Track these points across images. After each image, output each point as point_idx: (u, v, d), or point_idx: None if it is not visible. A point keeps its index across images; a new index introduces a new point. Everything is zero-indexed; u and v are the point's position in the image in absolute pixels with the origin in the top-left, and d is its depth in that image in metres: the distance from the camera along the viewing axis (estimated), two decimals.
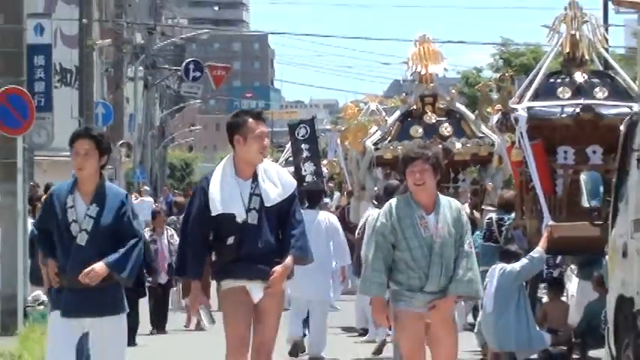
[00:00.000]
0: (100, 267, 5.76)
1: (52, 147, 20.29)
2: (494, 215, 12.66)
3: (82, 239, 5.88)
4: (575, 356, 11.31)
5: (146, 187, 39.89)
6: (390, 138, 15.23)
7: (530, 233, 10.97)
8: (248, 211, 6.39)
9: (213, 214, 6.32)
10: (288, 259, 6.40)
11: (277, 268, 6.35)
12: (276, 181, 6.56)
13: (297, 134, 14.94)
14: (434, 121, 15.15)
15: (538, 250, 10.39)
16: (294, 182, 6.94)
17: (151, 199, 32.10)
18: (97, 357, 6.12)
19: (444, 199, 6.47)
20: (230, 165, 6.48)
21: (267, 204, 6.42)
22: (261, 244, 6.38)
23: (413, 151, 6.62)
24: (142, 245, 6.37)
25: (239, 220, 6.34)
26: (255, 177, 6.49)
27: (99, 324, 6.01)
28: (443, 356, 6.33)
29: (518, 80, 12.23)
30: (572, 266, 12.41)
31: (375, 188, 14.04)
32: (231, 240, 6.39)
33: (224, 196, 6.38)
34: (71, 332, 6.09)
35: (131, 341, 10.38)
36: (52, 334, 6.35)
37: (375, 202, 11.69)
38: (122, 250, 5.90)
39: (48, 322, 6.86)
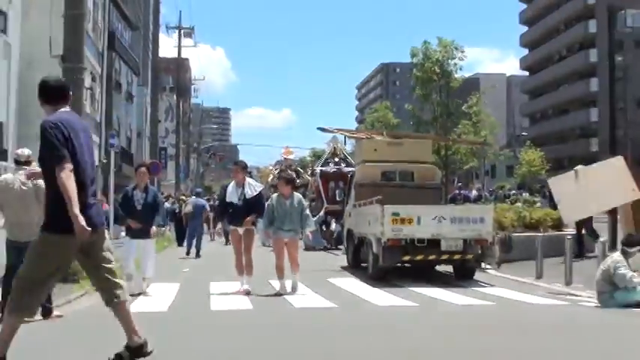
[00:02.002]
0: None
1: None
2: None
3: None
4: None
5: None
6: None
7: None
8: (239, 199, 14.87)
9: (227, 200, 15.09)
10: (252, 216, 14.79)
11: (247, 219, 14.74)
12: (252, 187, 15.02)
13: None
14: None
15: None
16: (261, 187, 15.70)
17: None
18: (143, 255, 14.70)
19: (295, 194, 15.39)
20: (233, 182, 15.22)
21: (247, 197, 14.88)
22: (243, 212, 14.79)
23: (282, 177, 16.95)
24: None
25: (236, 202, 14.96)
26: (243, 185, 14.94)
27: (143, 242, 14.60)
28: (290, 255, 14.73)
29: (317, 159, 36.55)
30: None
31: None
32: (232, 209, 15.02)
33: (231, 192, 15.03)
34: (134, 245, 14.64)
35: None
36: (126, 247, 14.78)
37: None
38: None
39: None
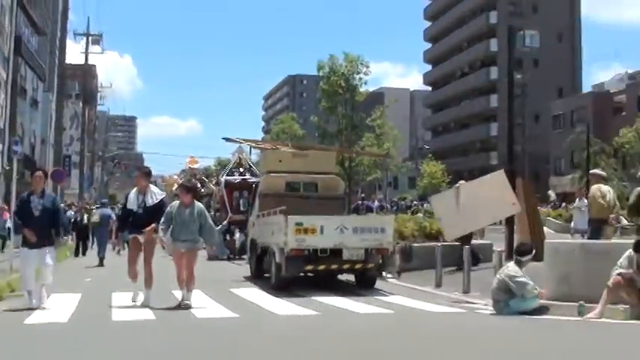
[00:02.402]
0: None
1: None
2: None
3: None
4: None
5: None
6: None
7: None
8: (139, 207, 14.32)
9: (128, 207, 14.59)
10: (153, 225, 13.96)
11: (148, 228, 13.99)
12: (154, 195, 14.46)
13: None
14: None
15: None
16: (163, 195, 15.00)
17: None
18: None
19: (197, 203, 14.58)
20: (135, 189, 14.62)
21: (148, 205, 14.31)
22: (144, 220, 14.14)
23: (183, 185, 17.19)
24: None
25: (136, 210, 14.36)
26: (145, 193, 14.41)
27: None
28: (187, 266, 13.96)
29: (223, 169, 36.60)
30: None
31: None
32: (132, 217, 14.43)
33: (132, 200, 14.45)
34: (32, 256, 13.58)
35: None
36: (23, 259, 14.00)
37: None
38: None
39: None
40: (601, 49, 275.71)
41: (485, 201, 17.55)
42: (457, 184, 19.16)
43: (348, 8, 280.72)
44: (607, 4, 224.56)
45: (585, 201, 29.90)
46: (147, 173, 15.10)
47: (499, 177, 18.93)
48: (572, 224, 29.46)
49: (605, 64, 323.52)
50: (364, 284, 18.04)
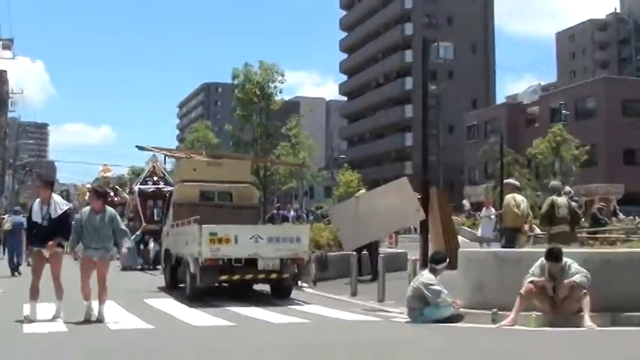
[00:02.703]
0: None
1: None
2: None
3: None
4: None
5: None
6: None
7: None
8: (43, 219, 13.31)
9: (33, 219, 13.46)
10: (57, 239, 13.12)
11: (51, 243, 13.09)
12: (57, 206, 13.43)
13: None
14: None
15: None
16: (68, 205, 14.12)
17: None
18: None
19: (108, 208, 13.80)
20: (39, 200, 13.63)
21: (52, 217, 13.31)
22: (48, 232, 13.21)
23: (94, 189, 15.77)
24: None
25: (40, 222, 13.33)
26: (49, 204, 13.39)
27: None
28: (100, 276, 13.40)
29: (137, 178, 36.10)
30: None
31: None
32: (35, 230, 13.39)
33: (36, 211, 13.44)
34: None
35: None
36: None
37: None
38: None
39: None
40: (514, 61, 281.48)
41: (389, 209, 17.64)
42: (356, 194, 19.16)
43: (265, 16, 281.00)
44: (520, 16, 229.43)
45: (492, 210, 30.51)
46: (49, 182, 14.26)
47: (402, 184, 19.06)
48: (478, 232, 29.91)
49: (519, 75, 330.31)
50: (280, 294, 17.97)
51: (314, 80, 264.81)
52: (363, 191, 19.50)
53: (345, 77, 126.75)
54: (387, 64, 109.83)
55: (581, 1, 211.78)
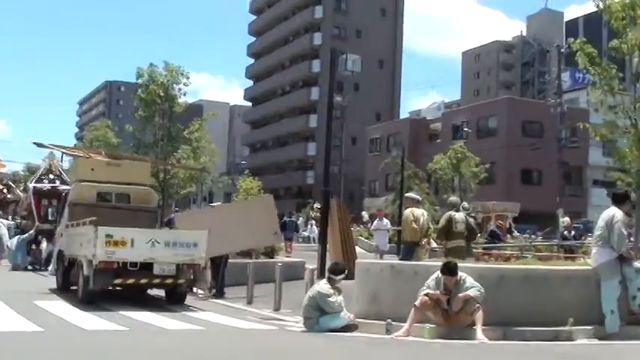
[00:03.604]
0: None
1: None
2: None
3: None
4: None
5: None
6: None
7: None
8: None
9: None
10: None
11: None
12: None
13: None
14: None
15: None
16: None
17: None
18: None
19: None
20: None
21: None
22: None
23: None
24: None
25: None
26: None
27: None
28: None
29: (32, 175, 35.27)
30: None
31: None
32: None
33: None
34: None
35: None
36: None
37: None
38: None
39: None
40: (420, 78, 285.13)
41: (247, 225, 17.62)
42: (213, 204, 19.02)
43: (171, 15, 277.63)
44: (427, 35, 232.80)
45: (385, 221, 30.76)
46: None
47: (267, 203, 19.04)
48: (374, 244, 30.07)
49: (423, 92, 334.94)
50: (175, 300, 17.71)
51: (219, 84, 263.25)
52: (218, 203, 19.31)
53: (250, 82, 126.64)
54: (294, 73, 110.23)
55: (489, 23, 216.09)
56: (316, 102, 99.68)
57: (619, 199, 13.04)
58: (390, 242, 30.02)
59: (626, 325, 12.39)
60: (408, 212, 17.99)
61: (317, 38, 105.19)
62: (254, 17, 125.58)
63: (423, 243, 18.03)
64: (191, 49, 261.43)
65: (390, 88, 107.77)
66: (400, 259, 18.00)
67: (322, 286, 13.32)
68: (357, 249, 26.96)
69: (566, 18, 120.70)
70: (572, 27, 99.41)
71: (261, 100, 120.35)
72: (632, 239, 16.99)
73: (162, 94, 44.03)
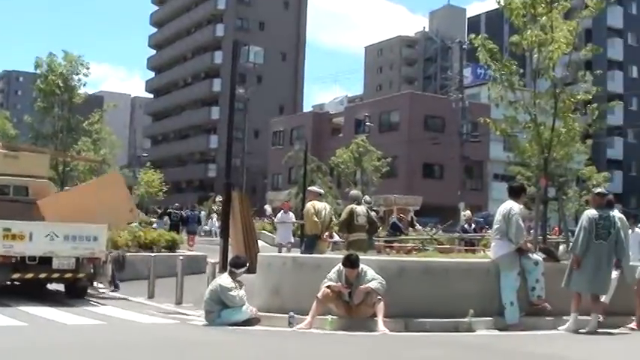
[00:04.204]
0: None
1: None
2: None
3: None
4: None
5: None
6: None
7: None
8: None
9: None
10: None
11: None
12: None
13: None
14: None
15: None
16: None
17: None
18: None
19: None
20: None
21: None
22: None
23: None
24: None
25: None
26: None
27: None
28: None
29: None
30: None
31: None
32: None
33: None
34: None
35: None
36: None
37: None
38: None
39: None
40: (323, 72, 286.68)
41: (101, 204, 17.48)
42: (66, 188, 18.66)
43: (71, 5, 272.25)
44: (330, 29, 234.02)
45: (290, 214, 30.80)
46: None
47: (116, 180, 18.90)
48: (276, 237, 30.01)
49: (327, 86, 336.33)
50: (75, 294, 17.46)
51: (120, 75, 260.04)
52: (67, 188, 19.03)
53: (152, 74, 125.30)
54: (197, 64, 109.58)
55: (392, 18, 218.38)
56: (218, 94, 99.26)
57: (515, 193, 13.31)
58: (294, 236, 29.95)
59: (525, 316, 12.70)
60: (309, 205, 18.06)
61: (219, 30, 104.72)
62: (156, 8, 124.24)
63: (325, 236, 18.09)
64: (92, 40, 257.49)
65: (293, 81, 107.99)
66: (302, 252, 18.08)
67: (224, 279, 13.26)
68: (260, 242, 26.91)
69: (469, 14, 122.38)
70: (474, 23, 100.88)
71: (163, 92, 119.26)
72: (532, 232, 17.36)
73: (61, 84, 43.06)
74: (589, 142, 17.88)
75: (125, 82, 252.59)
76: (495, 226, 13.13)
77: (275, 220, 31.56)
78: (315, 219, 17.55)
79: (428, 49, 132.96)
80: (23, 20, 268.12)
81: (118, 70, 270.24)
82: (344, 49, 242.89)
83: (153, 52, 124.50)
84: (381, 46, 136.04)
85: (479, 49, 17.05)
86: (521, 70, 17.16)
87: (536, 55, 16.79)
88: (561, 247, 17.21)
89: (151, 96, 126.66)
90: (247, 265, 13.75)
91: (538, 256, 13.09)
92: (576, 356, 10.00)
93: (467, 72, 63.61)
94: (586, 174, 51.85)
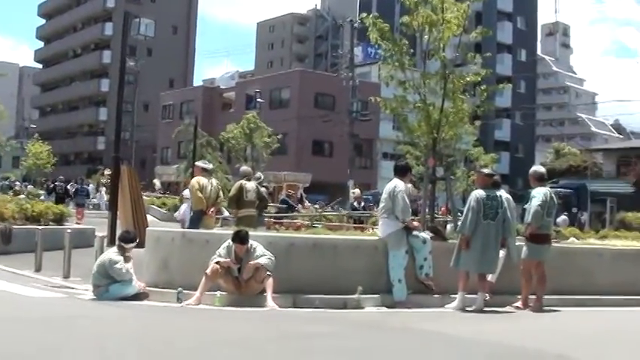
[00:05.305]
0: None
1: None
2: None
3: None
4: None
5: None
6: None
7: None
8: None
9: None
10: None
11: None
12: None
13: None
14: None
15: None
16: None
17: None
18: None
19: None
20: None
21: None
22: None
23: None
24: None
25: None
26: None
27: None
28: None
29: None
30: None
31: None
32: None
33: None
34: None
35: None
36: None
37: None
38: None
39: None
40: (215, 47, 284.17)
41: None
42: None
43: None
44: (223, 4, 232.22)
45: None
46: None
47: None
48: (179, 213, 29.53)
49: (218, 61, 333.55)
50: None
51: (9, 44, 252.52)
52: None
53: (41, 44, 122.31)
54: (86, 35, 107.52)
55: None
56: (108, 66, 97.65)
57: (401, 171, 13.49)
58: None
59: (412, 293, 12.92)
60: (194, 181, 17.97)
61: (110, 1, 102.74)
62: None
63: (211, 212, 17.99)
64: None
65: (184, 54, 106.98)
66: (188, 227, 18.01)
67: (111, 254, 13.15)
68: (149, 217, 26.65)
69: None
70: (366, 3, 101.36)
71: (52, 63, 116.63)
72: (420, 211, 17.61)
73: None
74: (477, 123, 18.16)
75: (13, 51, 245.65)
76: (382, 205, 13.30)
77: (183, 195, 30.86)
78: (200, 195, 17.42)
79: (319, 26, 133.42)
80: None
81: (7, 40, 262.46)
82: (236, 24, 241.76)
83: (42, 21, 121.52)
84: (273, 23, 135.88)
85: (370, 28, 17.14)
86: (412, 51, 17.33)
87: (426, 36, 16.98)
88: (449, 227, 17.52)
89: (40, 66, 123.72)
90: (137, 240, 13.62)
91: (426, 235, 13.32)
92: (465, 333, 10.22)
93: (357, 51, 63.98)
94: (474, 154, 53.06)
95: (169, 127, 73.08)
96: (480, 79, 17.38)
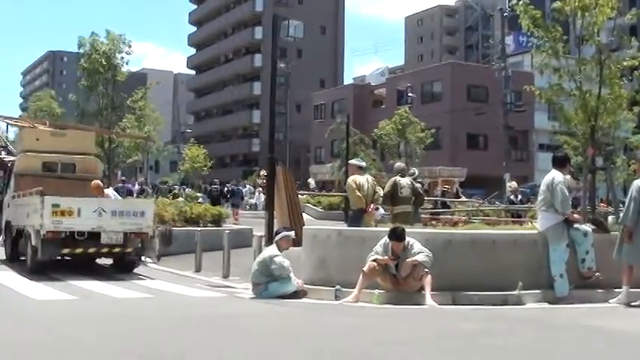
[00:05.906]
0: None
1: None
2: None
3: None
4: None
5: None
6: None
7: None
8: None
9: None
10: None
11: None
12: None
13: None
14: None
15: None
16: None
17: None
18: None
19: None
20: None
21: None
22: None
23: None
24: None
25: None
26: None
27: None
28: None
29: None
30: None
31: None
32: None
33: None
34: None
35: None
36: None
37: None
38: None
39: None
40: (363, 44, 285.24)
41: None
42: None
43: None
44: (369, 1, 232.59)
45: None
46: None
47: None
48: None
49: (367, 58, 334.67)
50: (123, 268, 17.74)
51: (162, 52, 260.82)
52: None
53: (193, 50, 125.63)
54: (237, 40, 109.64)
55: None
56: (260, 69, 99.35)
57: (559, 162, 13.10)
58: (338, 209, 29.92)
59: (575, 288, 12.50)
60: (350, 181, 17.83)
61: (259, 5, 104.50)
62: None
63: (371, 209, 17.93)
64: (133, 18, 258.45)
65: (333, 54, 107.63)
66: (348, 226, 18.03)
67: (270, 252, 13.35)
68: (305, 216, 26.95)
69: None
70: None
71: (205, 68, 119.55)
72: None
73: (104, 63, 43.35)
74: (636, 109, 17.48)
75: (167, 59, 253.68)
76: (540, 197, 12.97)
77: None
78: (358, 193, 17.36)
79: (469, 17, 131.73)
80: (66, 1, 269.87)
81: (160, 48, 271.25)
82: (383, 20, 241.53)
83: (194, 28, 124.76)
84: (421, 16, 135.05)
85: (521, 15, 16.82)
86: (565, 37, 16.89)
87: (579, 21, 16.52)
88: (610, 218, 16.97)
89: (193, 72, 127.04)
90: (293, 233, 13.83)
91: (587, 227, 12.92)
92: (634, 329, 9.86)
93: (509, 40, 62.75)
94: (634, 142, 51.20)
95: (322, 127, 73.74)
96: (637, 63, 16.78)
